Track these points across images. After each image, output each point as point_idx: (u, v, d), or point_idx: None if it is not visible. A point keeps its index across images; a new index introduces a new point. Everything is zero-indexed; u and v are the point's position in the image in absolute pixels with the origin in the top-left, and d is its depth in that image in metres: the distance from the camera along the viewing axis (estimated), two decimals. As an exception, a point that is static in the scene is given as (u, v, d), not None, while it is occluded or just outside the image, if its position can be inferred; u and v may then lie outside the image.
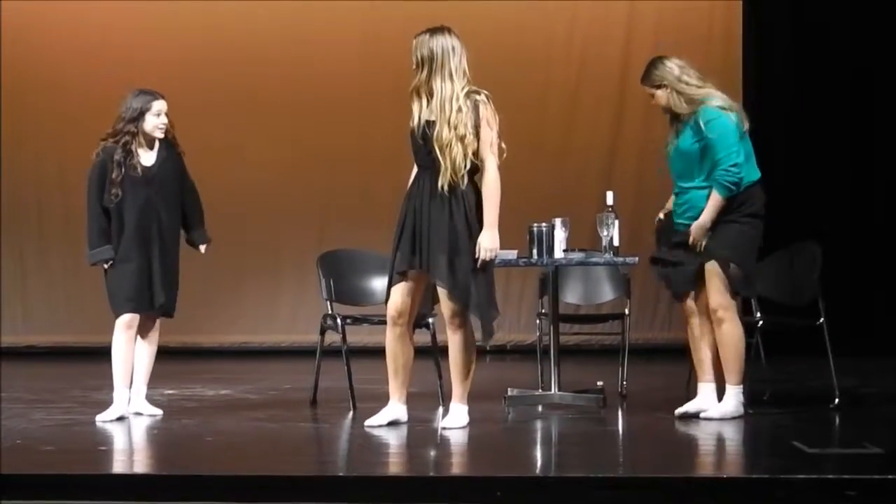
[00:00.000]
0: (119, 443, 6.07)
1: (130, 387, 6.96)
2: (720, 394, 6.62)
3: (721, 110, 6.62)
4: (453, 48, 6.23)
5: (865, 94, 10.48)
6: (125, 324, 6.87)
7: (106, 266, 6.87)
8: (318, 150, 10.89)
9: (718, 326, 6.57)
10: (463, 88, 6.22)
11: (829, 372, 7.00)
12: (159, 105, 6.95)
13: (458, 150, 6.16)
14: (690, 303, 6.76)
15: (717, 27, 10.96)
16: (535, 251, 6.93)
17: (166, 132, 6.98)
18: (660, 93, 6.74)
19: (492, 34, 10.36)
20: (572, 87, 11.05)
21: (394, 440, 6.21)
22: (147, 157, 6.94)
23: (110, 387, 8.29)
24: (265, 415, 6.95)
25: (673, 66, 6.72)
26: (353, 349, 7.32)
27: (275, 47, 10.79)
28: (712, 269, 6.57)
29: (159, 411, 6.97)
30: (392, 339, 6.42)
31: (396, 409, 6.45)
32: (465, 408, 6.37)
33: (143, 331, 6.98)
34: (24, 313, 11.11)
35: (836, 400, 6.96)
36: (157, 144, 6.97)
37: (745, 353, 6.59)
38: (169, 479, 5.12)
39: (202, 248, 7.15)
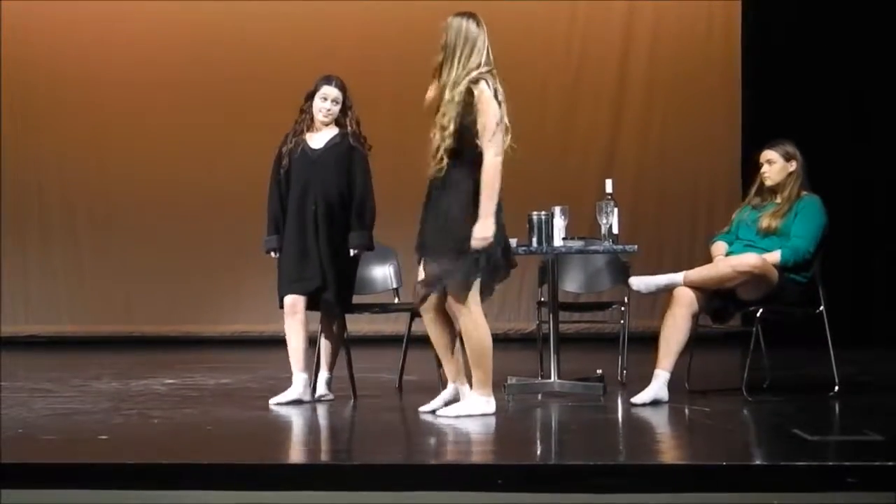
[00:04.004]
0: (119, 432, 6.07)
1: (313, 372, 7.03)
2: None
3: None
4: (468, 34, 6.17)
5: (864, 91, 10.50)
6: (286, 309, 6.90)
7: (273, 255, 6.95)
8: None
9: None
10: (468, 74, 6.15)
11: (828, 360, 7.00)
12: (326, 89, 6.93)
13: (437, 137, 6.13)
14: (691, 293, 6.79)
15: (715, 26, 11.01)
16: (534, 239, 6.94)
17: (343, 121, 6.94)
18: (785, 164, 7.00)
19: (492, 30, 10.36)
20: (572, 76, 11.10)
21: (394, 429, 6.22)
22: (316, 141, 6.94)
23: (111, 375, 8.38)
24: (265, 404, 6.94)
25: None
26: (353, 338, 7.32)
27: (274, 45, 10.84)
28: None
29: (331, 396, 7.06)
30: (427, 324, 6.38)
31: (452, 390, 6.43)
32: (482, 397, 6.28)
33: (322, 320, 7.05)
34: (25, 304, 11.15)
35: (836, 388, 6.97)
36: (332, 132, 6.95)
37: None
38: (169, 467, 5.12)
39: (352, 252, 6.96)
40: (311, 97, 6.97)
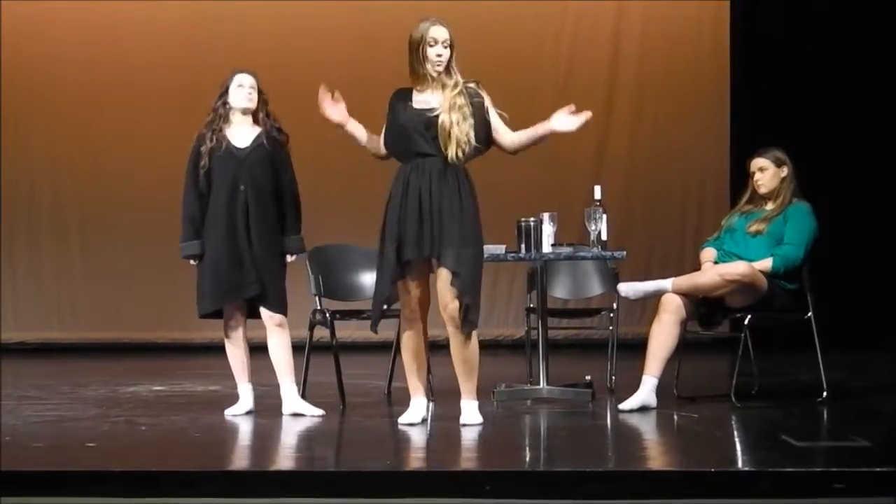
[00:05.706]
0: (107, 439, 6.06)
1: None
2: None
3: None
4: None
5: (854, 91, 10.50)
6: (225, 323, 6.79)
7: (192, 262, 6.74)
8: (305, 145, 10.85)
9: None
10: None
11: (817, 366, 7.01)
12: (240, 78, 6.75)
13: (467, 125, 6.10)
14: (679, 300, 6.80)
15: (704, 28, 11.00)
16: (523, 246, 6.94)
17: (257, 116, 6.75)
18: (777, 170, 7.03)
19: (481, 32, 10.38)
20: (561, 82, 11.08)
21: (383, 435, 6.21)
22: (240, 139, 6.71)
23: (99, 382, 8.36)
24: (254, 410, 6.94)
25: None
26: (342, 345, 7.32)
27: (266, 46, 10.79)
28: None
29: (319, 411, 6.72)
30: (412, 336, 6.27)
31: (424, 403, 6.39)
32: (477, 403, 6.30)
33: (268, 328, 6.76)
34: (15, 310, 11.11)
35: (824, 393, 6.98)
36: (255, 129, 6.75)
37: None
38: (157, 475, 5.12)
39: (289, 258, 6.74)
40: (225, 93, 6.75)
